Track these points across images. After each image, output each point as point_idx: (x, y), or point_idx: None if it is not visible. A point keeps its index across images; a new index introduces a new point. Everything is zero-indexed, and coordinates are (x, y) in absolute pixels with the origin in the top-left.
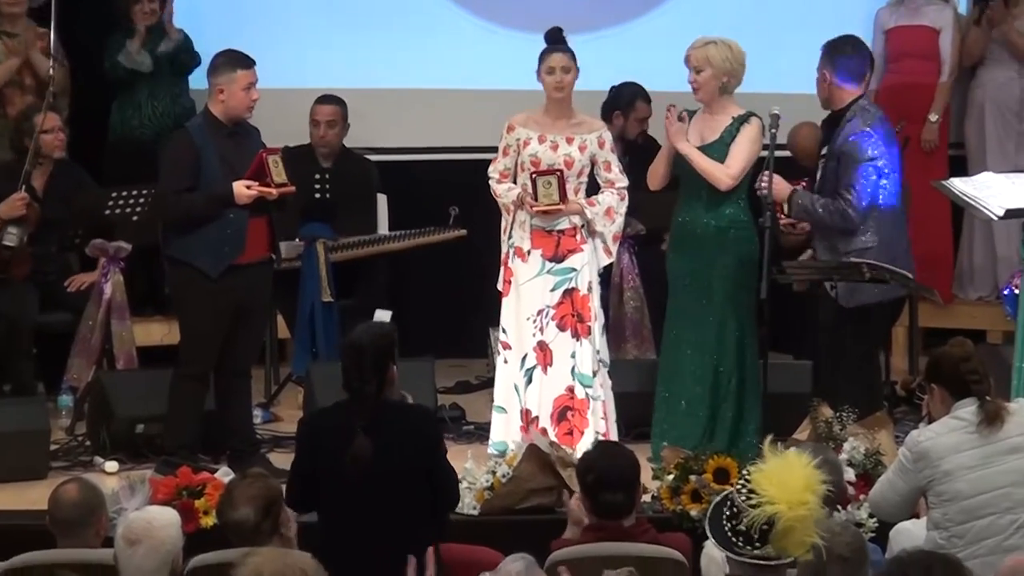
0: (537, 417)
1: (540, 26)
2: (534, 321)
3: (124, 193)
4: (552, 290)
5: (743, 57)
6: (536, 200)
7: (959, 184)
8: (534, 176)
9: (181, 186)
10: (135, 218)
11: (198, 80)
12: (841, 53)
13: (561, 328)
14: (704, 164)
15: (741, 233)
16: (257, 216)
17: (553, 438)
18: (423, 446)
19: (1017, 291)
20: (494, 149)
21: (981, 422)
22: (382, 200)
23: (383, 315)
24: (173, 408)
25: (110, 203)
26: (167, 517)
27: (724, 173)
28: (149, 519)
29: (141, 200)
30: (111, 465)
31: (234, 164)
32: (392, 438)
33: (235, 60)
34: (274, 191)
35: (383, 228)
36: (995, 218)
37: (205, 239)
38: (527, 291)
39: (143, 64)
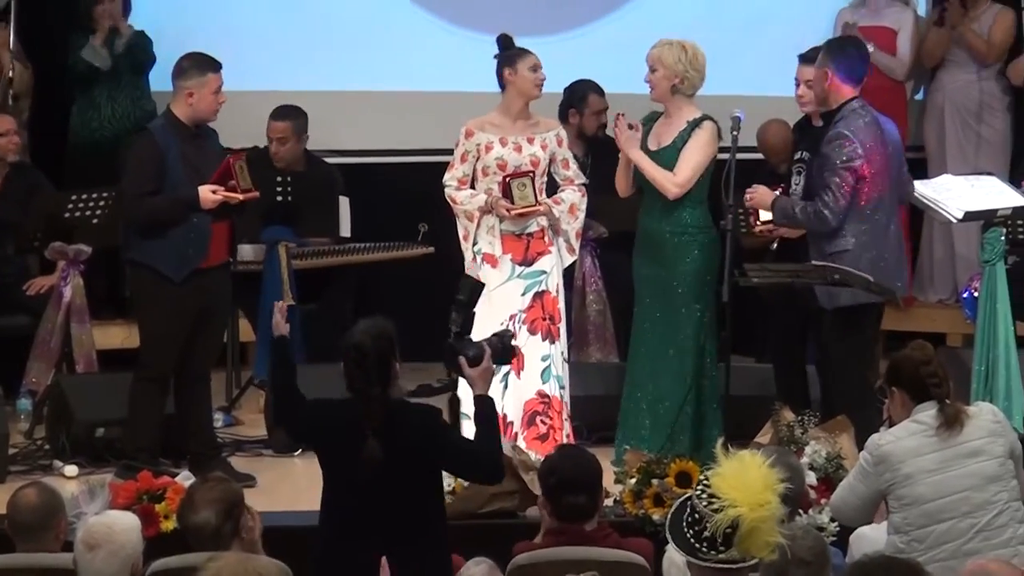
0: (512, 422)
1: (501, 28)
2: (506, 326)
3: (84, 196)
4: (523, 294)
5: (700, 61)
6: (513, 203)
7: (919, 187)
8: (508, 180)
9: (145, 189)
10: (95, 221)
11: (159, 82)
12: (844, 52)
13: (532, 332)
14: (653, 172)
15: (699, 238)
16: (220, 220)
17: (522, 443)
18: (432, 443)
19: (976, 294)
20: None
21: (941, 425)
22: (344, 203)
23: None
24: (133, 411)
25: (70, 206)
26: (127, 521)
27: (671, 182)
28: (109, 523)
29: (101, 203)
30: (71, 469)
31: (198, 167)
32: (401, 438)
33: (205, 63)
34: (240, 196)
35: (345, 231)
36: (954, 221)
37: (169, 243)
38: (499, 297)
39: (103, 61)
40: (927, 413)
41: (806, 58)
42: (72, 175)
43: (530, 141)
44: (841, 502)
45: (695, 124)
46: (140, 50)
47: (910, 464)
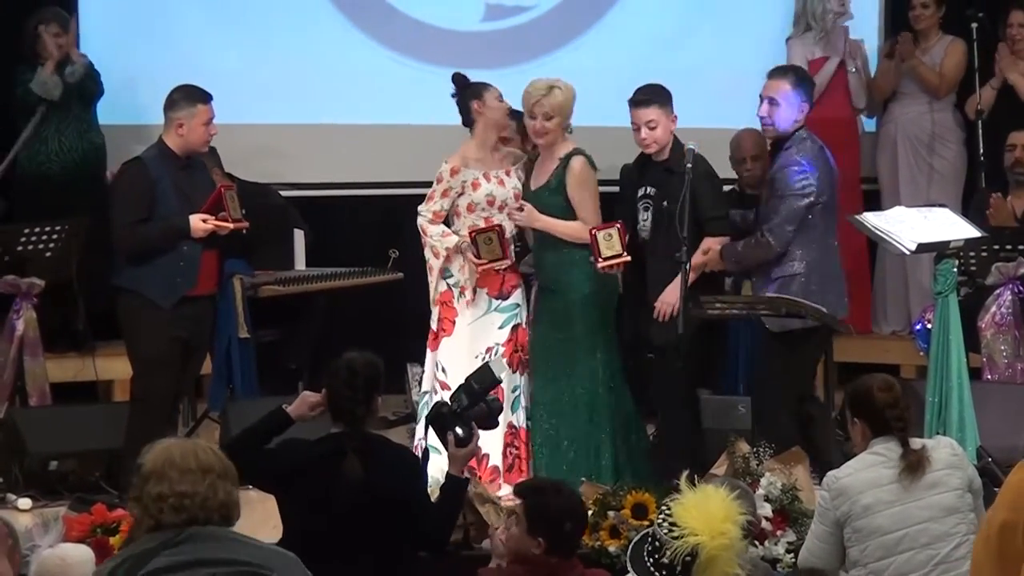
0: (488, 455)
1: (458, 62)
2: (483, 359)
3: (37, 229)
4: (500, 328)
5: (573, 94)
6: (479, 256)
7: (872, 218)
8: (474, 235)
9: (135, 217)
10: (48, 254)
11: (106, 115)
12: (805, 80)
13: (509, 365)
14: (566, 231)
15: (591, 268)
16: (209, 249)
17: (504, 484)
18: (405, 482)
19: (929, 325)
20: (413, 185)
21: (903, 471)
22: (299, 235)
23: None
24: (129, 445)
25: (22, 239)
26: (81, 554)
27: (587, 232)
28: (62, 556)
29: (55, 236)
30: (24, 502)
31: (190, 196)
32: (378, 467)
33: (195, 95)
34: (230, 225)
35: (300, 263)
36: (908, 252)
37: (158, 269)
38: (476, 330)
39: (55, 91)
40: (885, 445)
41: (638, 102)
42: (21, 207)
43: (508, 173)
44: (808, 552)
45: (566, 161)
46: (92, 80)
47: (869, 495)
